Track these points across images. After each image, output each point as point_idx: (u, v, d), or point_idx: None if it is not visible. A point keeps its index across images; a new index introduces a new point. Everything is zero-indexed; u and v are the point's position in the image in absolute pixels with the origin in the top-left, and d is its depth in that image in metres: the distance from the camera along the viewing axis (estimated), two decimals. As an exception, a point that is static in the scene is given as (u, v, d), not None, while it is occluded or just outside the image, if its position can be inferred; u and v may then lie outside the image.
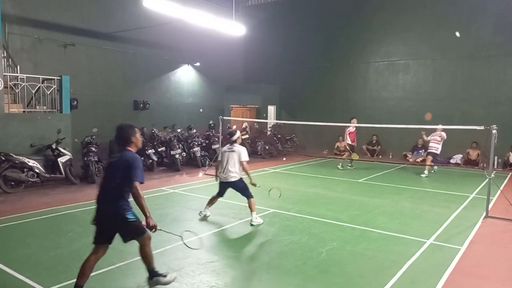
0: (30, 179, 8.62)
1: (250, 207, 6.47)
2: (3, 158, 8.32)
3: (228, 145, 6.73)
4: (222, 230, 6.13)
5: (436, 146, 11.84)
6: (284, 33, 18.98)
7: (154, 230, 3.81)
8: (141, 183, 3.78)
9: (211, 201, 6.85)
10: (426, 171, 11.82)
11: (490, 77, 14.38)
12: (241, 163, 6.48)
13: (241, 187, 6.52)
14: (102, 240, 3.94)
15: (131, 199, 3.84)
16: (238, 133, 6.76)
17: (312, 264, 4.81)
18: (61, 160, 9.11)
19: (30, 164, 8.58)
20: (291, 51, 18.80)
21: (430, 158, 11.99)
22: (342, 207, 7.81)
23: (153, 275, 4.09)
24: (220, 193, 6.77)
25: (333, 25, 17.62)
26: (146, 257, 4.04)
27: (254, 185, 6.50)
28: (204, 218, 6.73)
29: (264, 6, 19.24)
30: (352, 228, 6.33)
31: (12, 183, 8.42)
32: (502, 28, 13.98)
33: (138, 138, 4.12)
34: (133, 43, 15.02)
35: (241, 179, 6.56)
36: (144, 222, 3.81)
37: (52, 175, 9.02)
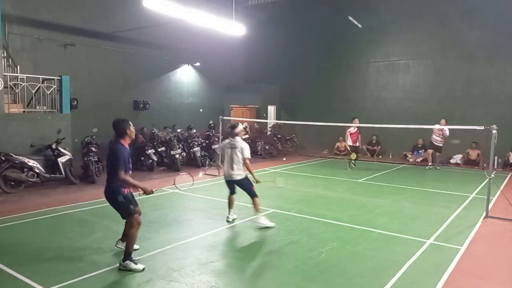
0: (30, 179, 8.61)
1: (255, 207, 6.22)
2: (3, 158, 8.31)
3: (229, 139, 6.32)
4: (222, 230, 6.12)
5: (437, 139, 12.68)
6: (284, 33, 18.97)
7: (151, 193, 4.50)
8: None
9: (230, 203, 6.51)
10: (430, 163, 12.99)
11: (490, 77, 14.37)
12: (243, 160, 6.14)
13: (246, 185, 6.22)
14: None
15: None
16: (240, 126, 6.32)
17: (312, 264, 4.81)
18: (61, 160, 9.11)
19: (30, 164, 8.58)
20: (291, 51, 18.80)
21: (437, 152, 12.99)
22: (342, 207, 7.81)
23: (127, 258, 4.48)
24: (231, 191, 6.44)
25: (333, 25, 17.62)
26: (129, 237, 4.56)
27: (258, 182, 6.25)
28: (230, 222, 6.46)
29: (264, 6, 19.23)
30: (352, 228, 6.33)
31: (12, 183, 8.41)
32: (502, 28, 13.98)
33: (132, 130, 4.69)
34: (133, 43, 15.01)
35: (246, 176, 6.26)
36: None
37: (52, 175, 9.02)
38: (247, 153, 6.18)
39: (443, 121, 12.36)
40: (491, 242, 5.85)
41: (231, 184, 6.34)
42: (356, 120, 12.33)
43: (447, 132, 12.46)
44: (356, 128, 12.46)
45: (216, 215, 6.92)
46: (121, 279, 4.34)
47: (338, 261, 4.95)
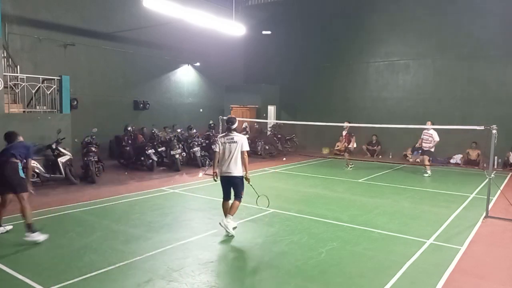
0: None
1: (232, 208, 5.89)
2: (3, 158, 8.30)
3: (226, 134, 6.02)
4: (222, 230, 6.10)
5: (429, 145, 11.70)
6: (284, 33, 18.97)
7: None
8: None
9: (226, 210, 6.02)
10: (428, 171, 11.79)
11: (490, 77, 14.37)
12: (242, 153, 5.88)
13: (240, 185, 5.95)
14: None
15: None
16: (237, 120, 6.13)
17: (312, 264, 4.81)
18: (61, 160, 9.11)
19: (30, 164, 8.57)
20: (291, 51, 18.80)
21: (426, 157, 11.86)
22: (342, 207, 7.81)
23: (28, 230, 5.35)
24: (227, 194, 6.05)
25: (333, 25, 17.61)
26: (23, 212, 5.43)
27: (247, 180, 5.98)
28: (223, 228, 5.85)
29: (264, 6, 19.24)
30: (352, 228, 6.33)
31: (12, 183, 8.40)
32: (502, 28, 13.98)
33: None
34: (133, 43, 15.01)
35: (242, 177, 5.99)
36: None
37: (52, 175, 9.02)
38: (246, 146, 5.99)
39: (429, 122, 11.44)
40: (491, 242, 5.85)
41: (228, 181, 5.97)
42: (345, 122, 12.41)
43: (436, 137, 11.50)
44: (346, 131, 12.57)
45: (216, 215, 6.91)
46: (121, 279, 4.34)
47: (338, 261, 4.95)
